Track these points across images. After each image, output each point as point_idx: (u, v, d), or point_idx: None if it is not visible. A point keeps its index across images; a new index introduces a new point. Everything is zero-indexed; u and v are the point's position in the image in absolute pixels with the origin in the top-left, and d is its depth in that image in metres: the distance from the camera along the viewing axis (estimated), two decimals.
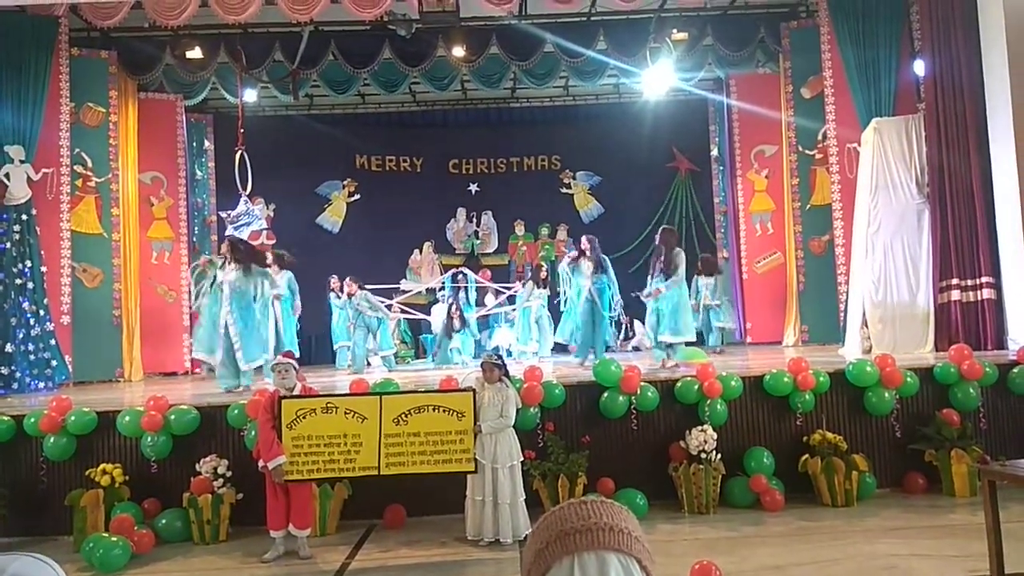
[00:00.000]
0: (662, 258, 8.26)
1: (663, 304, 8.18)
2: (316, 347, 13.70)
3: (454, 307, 11.75)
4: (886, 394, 6.39)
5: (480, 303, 13.01)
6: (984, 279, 8.40)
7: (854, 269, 9.52)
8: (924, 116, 8.98)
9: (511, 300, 12.69)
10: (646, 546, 1.12)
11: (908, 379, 6.46)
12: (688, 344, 8.36)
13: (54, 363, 9.65)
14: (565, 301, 10.24)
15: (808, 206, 11.42)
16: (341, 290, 11.41)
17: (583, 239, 10.10)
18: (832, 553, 4.89)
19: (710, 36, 11.30)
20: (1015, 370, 6.55)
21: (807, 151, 11.42)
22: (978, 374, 6.42)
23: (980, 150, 8.47)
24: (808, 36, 10.99)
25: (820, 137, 11.07)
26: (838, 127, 10.37)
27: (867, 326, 9.05)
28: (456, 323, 11.51)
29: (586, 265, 9.75)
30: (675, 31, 11.08)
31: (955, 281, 8.52)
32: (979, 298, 8.42)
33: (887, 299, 8.91)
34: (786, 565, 4.71)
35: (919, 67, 9.46)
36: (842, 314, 10.06)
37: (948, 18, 8.66)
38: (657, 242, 8.51)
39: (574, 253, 10.24)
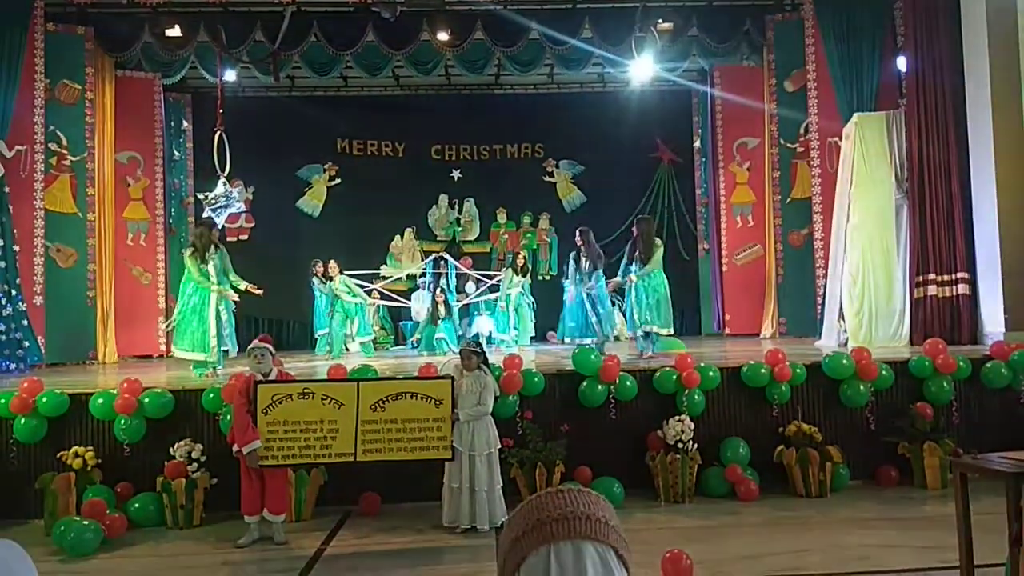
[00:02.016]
0: (640, 247, 8.25)
1: (648, 294, 8.18)
2: (294, 332, 13.62)
3: (439, 293, 11.65)
4: (861, 387, 6.46)
5: (460, 290, 12.95)
6: (960, 274, 8.50)
7: (832, 263, 9.60)
8: (905, 112, 9.05)
9: (493, 289, 12.65)
10: (622, 535, 1.11)
11: (883, 372, 6.53)
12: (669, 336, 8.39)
13: (26, 344, 9.48)
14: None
15: (788, 199, 11.49)
16: (325, 275, 11.29)
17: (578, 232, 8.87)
18: (805, 543, 4.94)
19: (695, 27, 11.27)
20: (988, 365, 6.64)
21: (789, 144, 11.47)
22: (952, 368, 6.51)
23: (959, 147, 8.56)
24: (792, 29, 11.01)
25: (802, 131, 11.13)
26: (820, 121, 10.42)
27: (844, 319, 9.13)
28: (442, 310, 11.44)
29: (584, 262, 8.63)
30: (660, 21, 11.04)
31: (932, 276, 8.61)
32: (955, 293, 8.53)
33: (864, 293, 8.98)
34: (760, 555, 4.75)
35: (901, 63, 9.52)
36: (819, 307, 10.15)
37: (931, 16, 8.73)
38: (635, 231, 8.50)
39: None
